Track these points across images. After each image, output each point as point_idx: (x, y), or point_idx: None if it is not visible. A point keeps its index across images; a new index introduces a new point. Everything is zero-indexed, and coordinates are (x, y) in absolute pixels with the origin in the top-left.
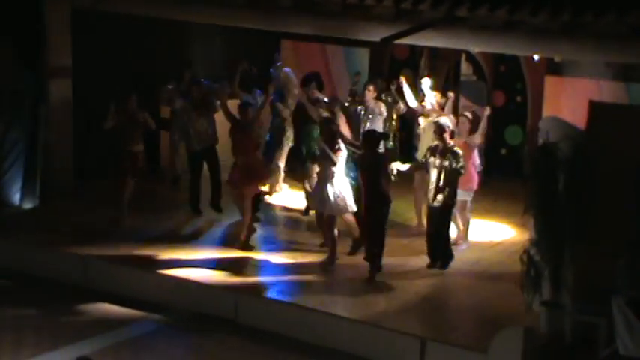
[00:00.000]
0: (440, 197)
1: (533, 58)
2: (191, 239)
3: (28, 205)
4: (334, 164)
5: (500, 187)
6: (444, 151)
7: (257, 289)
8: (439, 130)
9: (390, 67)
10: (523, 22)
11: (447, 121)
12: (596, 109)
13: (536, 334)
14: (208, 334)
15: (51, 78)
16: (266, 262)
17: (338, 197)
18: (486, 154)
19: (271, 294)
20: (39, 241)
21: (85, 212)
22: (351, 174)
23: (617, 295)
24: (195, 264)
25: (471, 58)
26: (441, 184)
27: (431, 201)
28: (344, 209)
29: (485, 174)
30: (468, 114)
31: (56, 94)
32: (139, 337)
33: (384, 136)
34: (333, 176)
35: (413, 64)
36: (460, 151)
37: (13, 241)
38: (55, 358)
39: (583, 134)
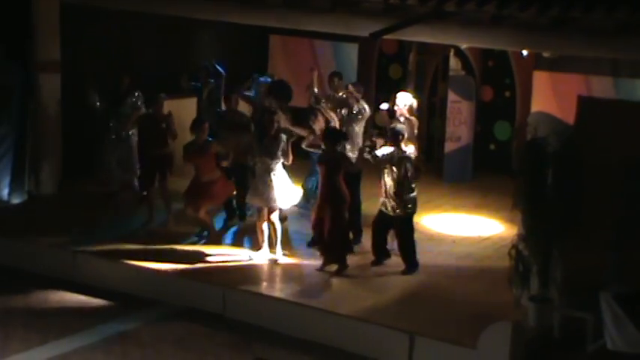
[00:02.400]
0: (402, 207)
1: (521, 54)
2: (180, 235)
3: (16, 200)
4: (273, 158)
5: (488, 182)
6: (400, 159)
7: (244, 284)
8: (394, 136)
9: (379, 62)
10: (511, 17)
11: (402, 127)
12: (584, 104)
13: (524, 329)
14: (196, 329)
15: (40, 73)
16: (253, 259)
17: (276, 191)
18: (475, 149)
19: (259, 289)
20: (27, 235)
21: (73, 207)
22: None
23: (605, 291)
24: (184, 259)
25: (459, 53)
26: (394, 191)
27: (391, 211)
28: (278, 202)
29: (474, 169)
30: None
31: (45, 89)
32: (127, 332)
33: (343, 135)
34: (273, 170)
35: (402, 59)
36: (413, 157)
37: (2, 236)
38: (44, 353)
39: (571, 129)
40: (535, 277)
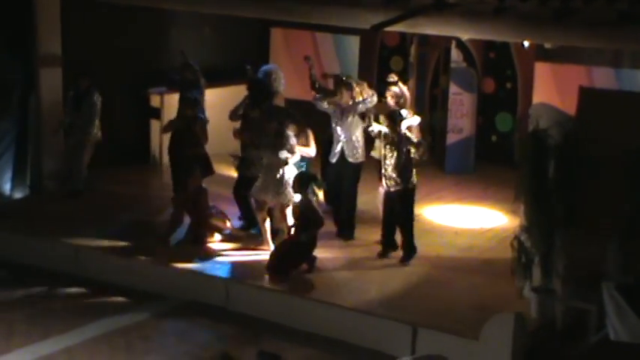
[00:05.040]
0: (404, 181)
1: (523, 45)
2: (182, 228)
3: (18, 195)
4: (282, 153)
5: (490, 173)
6: (401, 140)
7: (247, 277)
8: (394, 119)
9: (380, 55)
10: (513, 9)
11: (404, 111)
12: (586, 95)
13: (527, 320)
14: (200, 322)
15: (40, 67)
16: (256, 252)
17: (285, 187)
18: (477, 141)
19: (262, 282)
20: (29, 230)
21: (75, 201)
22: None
23: (608, 281)
24: (187, 252)
25: (460, 45)
26: (397, 169)
27: (391, 187)
28: (289, 197)
29: (476, 161)
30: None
31: (46, 83)
32: (130, 326)
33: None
34: (283, 165)
35: (403, 52)
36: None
37: (4, 230)
38: (47, 348)
39: (573, 120)
40: (537, 269)
